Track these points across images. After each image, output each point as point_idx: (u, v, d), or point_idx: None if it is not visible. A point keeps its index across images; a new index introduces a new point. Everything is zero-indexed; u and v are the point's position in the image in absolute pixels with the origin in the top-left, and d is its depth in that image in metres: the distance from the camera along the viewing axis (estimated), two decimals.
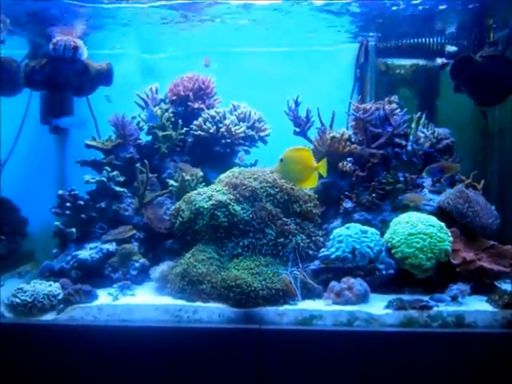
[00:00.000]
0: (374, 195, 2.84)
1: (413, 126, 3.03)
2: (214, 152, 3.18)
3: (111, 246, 2.79)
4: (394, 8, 2.96)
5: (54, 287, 2.51)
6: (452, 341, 2.27)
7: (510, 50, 3.04)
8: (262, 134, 3.28)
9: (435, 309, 2.36)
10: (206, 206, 2.66)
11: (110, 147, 3.10)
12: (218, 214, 2.64)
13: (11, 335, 2.35)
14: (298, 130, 3.13)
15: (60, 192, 2.87)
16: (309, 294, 2.50)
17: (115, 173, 2.96)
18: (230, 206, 2.66)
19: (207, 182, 3.00)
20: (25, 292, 2.44)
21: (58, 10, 2.94)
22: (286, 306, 2.40)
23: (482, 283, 2.57)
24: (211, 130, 3.15)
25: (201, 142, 3.19)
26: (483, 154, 3.46)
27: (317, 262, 2.62)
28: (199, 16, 3.11)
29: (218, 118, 3.19)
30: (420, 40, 3.46)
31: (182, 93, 3.28)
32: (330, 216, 2.90)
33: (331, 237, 2.66)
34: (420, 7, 2.94)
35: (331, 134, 2.98)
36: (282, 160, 2.41)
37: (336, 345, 2.27)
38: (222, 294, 2.43)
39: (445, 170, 2.77)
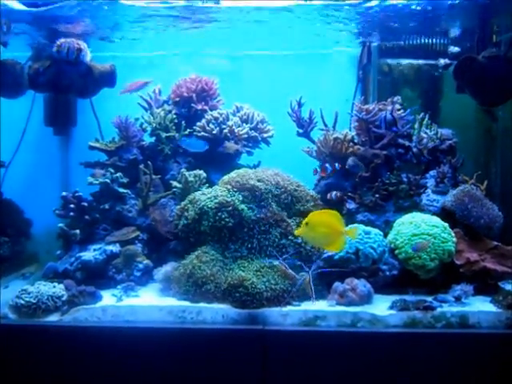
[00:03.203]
0: (377, 196, 2.84)
1: (416, 126, 3.03)
2: (217, 153, 3.19)
3: (115, 248, 2.79)
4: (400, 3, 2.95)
5: (58, 288, 2.51)
6: (456, 341, 2.27)
7: None
8: (265, 135, 3.28)
9: (439, 309, 2.36)
10: (210, 206, 2.66)
11: (114, 149, 3.11)
12: (223, 214, 2.64)
13: (15, 336, 2.35)
14: (301, 131, 3.14)
15: (64, 193, 2.88)
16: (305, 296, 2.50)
17: (119, 174, 2.97)
18: (235, 207, 2.66)
19: (210, 183, 3.00)
20: (29, 293, 2.45)
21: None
22: (290, 307, 2.40)
23: (485, 284, 2.57)
24: (214, 132, 3.16)
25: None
26: (486, 155, 3.46)
27: (320, 263, 2.62)
28: (203, 17, 3.12)
29: (221, 119, 3.20)
30: (423, 41, 3.46)
31: (185, 94, 3.29)
32: None
33: None
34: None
35: (334, 135, 2.99)
36: (307, 224, 2.34)
37: (340, 345, 2.27)
38: (226, 294, 2.43)
39: None
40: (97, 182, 2.93)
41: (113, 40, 3.48)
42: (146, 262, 2.77)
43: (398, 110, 3.05)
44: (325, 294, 2.51)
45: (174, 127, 3.21)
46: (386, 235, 2.70)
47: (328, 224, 2.32)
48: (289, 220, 2.72)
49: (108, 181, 2.92)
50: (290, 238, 2.66)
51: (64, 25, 3.15)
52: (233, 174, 2.85)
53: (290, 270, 2.48)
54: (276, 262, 2.52)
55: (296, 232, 2.42)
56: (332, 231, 2.31)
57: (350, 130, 3.15)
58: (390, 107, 3.02)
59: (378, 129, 2.97)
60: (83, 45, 3.10)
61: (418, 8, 2.94)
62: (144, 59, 3.73)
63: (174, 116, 3.23)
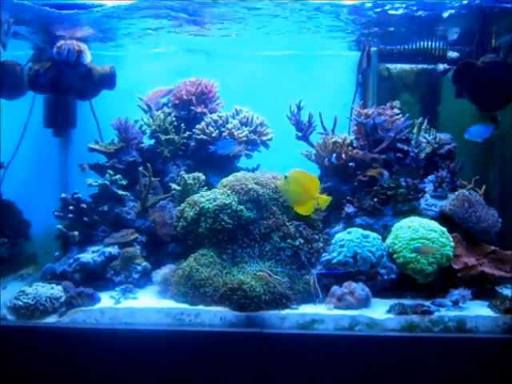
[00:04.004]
0: (375, 200, 2.85)
1: (414, 131, 3.04)
2: (217, 156, 3.19)
3: (113, 250, 2.79)
4: (399, 12, 2.96)
5: (56, 290, 2.51)
6: (453, 346, 2.28)
7: (511, 55, 3.05)
8: (265, 138, 3.28)
9: (436, 314, 2.36)
10: (209, 208, 2.66)
11: (113, 151, 3.11)
12: (222, 216, 2.64)
13: (13, 338, 2.35)
14: (300, 134, 3.15)
15: (63, 195, 2.88)
16: (309, 298, 2.51)
17: (118, 176, 2.97)
18: (234, 209, 2.66)
19: (209, 185, 3.01)
20: (27, 295, 2.44)
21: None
22: (288, 310, 2.41)
23: (483, 288, 2.58)
24: (214, 134, 3.16)
25: (203, 146, 3.20)
26: (484, 160, 3.46)
27: (318, 267, 2.62)
28: (201, 19, 3.13)
29: (220, 122, 3.20)
30: (422, 46, 3.47)
31: (185, 97, 3.29)
32: (331, 221, 2.91)
33: (333, 241, 2.67)
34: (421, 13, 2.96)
35: (333, 139, 2.99)
36: (286, 177, 2.42)
37: (337, 349, 2.27)
38: (224, 297, 2.43)
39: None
40: (96, 184, 2.93)
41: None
42: (145, 264, 2.77)
43: (397, 114, 3.06)
44: (320, 298, 2.51)
45: (173, 130, 3.22)
46: (384, 239, 2.71)
47: (304, 185, 2.45)
48: (288, 223, 2.72)
49: (107, 183, 2.93)
50: (288, 241, 2.66)
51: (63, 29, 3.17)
52: (231, 178, 2.86)
53: (275, 276, 2.47)
54: (259, 272, 2.50)
55: (277, 183, 2.54)
56: (305, 192, 2.44)
57: (349, 134, 3.16)
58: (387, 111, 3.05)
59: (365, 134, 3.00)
60: (83, 46, 3.11)
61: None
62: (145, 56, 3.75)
63: (174, 118, 3.24)
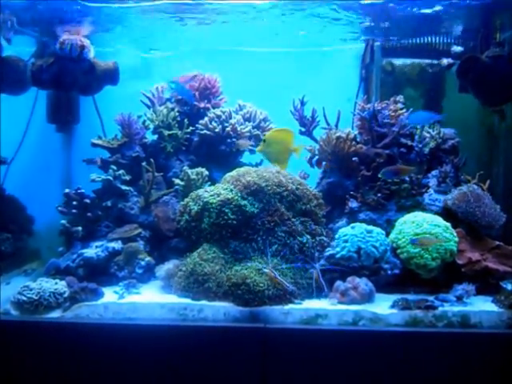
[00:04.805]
0: (379, 195, 2.84)
1: (418, 126, 3.03)
2: (220, 151, 3.19)
3: (117, 245, 2.79)
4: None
5: (60, 285, 2.52)
6: (457, 341, 2.27)
7: None
8: None
9: (440, 309, 2.36)
10: (213, 203, 2.66)
11: (116, 146, 3.11)
12: (226, 210, 2.64)
13: (17, 333, 2.36)
14: (303, 129, 3.14)
15: (66, 190, 2.88)
16: (313, 292, 2.51)
17: (121, 171, 2.97)
18: (237, 204, 2.66)
19: (213, 180, 3.01)
20: (31, 290, 2.45)
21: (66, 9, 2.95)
22: (292, 305, 2.41)
23: (487, 283, 2.57)
24: (217, 130, 3.15)
25: (206, 141, 3.21)
26: (489, 155, 3.45)
27: (322, 262, 2.62)
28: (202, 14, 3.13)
29: (223, 117, 3.20)
30: (426, 40, 3.45)
31: None
32: (335, 215, 2.91)
33: (336, 236, 2.67)
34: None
35: (337, 134, 2.99)
36: (264, 141, 2.56)
37: (341, 344, 2.27)
38: (228, 292, 2.43)
39: (400, 172, 2.80)
40: (99, 179, 2.94)
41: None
42: (148, 259, 2.77)
43: (401, 109, 3.06)
44: (326, 292, 2.51)
45: (176, 125, 3.22)
46: (387, 234, 2.70)
47: (281, 141, 2.63)
48: (293, 219, 2.72)
49: (110, 178, 2.93)
50: (297, 238, 2.66)
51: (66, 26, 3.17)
52: (234, 173, 2.85)
53: (279, 278, 2.47)
54: (266, 269, 2.50)
55: (257, 149, 2.73)
56: (283, 147, 2.62)
57: (353, 129, 3.16)
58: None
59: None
60: (86, 42, 3.11)
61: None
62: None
63: (177, 114, 3.24)
